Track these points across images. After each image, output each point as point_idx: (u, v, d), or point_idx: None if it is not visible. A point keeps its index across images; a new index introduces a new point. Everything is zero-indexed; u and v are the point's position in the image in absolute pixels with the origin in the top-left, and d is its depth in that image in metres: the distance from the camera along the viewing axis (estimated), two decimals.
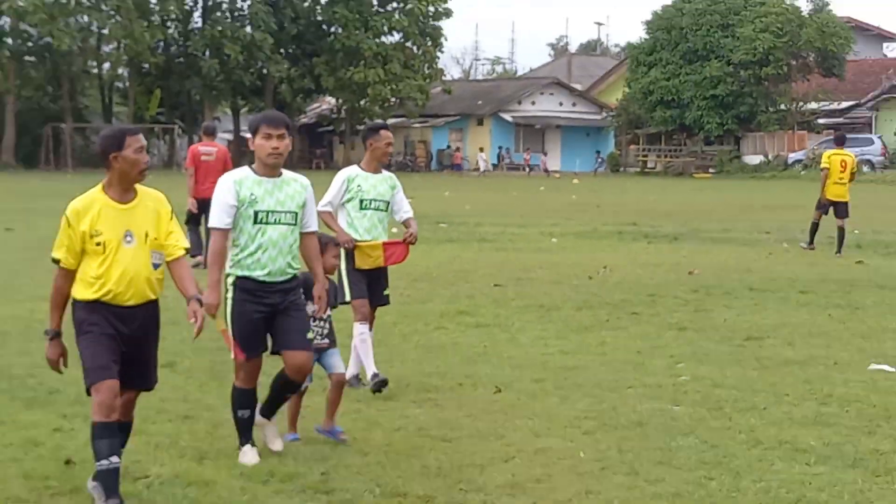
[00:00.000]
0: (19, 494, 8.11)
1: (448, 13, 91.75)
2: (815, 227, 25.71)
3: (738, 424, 10.18)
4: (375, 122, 10.23)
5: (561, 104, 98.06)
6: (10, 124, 79.80)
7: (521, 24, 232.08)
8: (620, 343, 14.28)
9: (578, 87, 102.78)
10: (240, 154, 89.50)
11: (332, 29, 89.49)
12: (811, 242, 25.43)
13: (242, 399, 8.82)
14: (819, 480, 8.53)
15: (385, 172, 11.34)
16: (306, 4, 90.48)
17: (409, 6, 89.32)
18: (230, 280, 8.70)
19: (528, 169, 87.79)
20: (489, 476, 8.61)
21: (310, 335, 8.81)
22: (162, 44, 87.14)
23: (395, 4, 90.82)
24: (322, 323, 9.38)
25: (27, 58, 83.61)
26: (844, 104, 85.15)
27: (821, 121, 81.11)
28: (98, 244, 7.29)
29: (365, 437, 9.44)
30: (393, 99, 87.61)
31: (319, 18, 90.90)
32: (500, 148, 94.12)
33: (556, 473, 8.70)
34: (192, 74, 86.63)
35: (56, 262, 7.40)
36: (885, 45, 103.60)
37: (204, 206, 21.95)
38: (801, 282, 20.28)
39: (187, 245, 7.77)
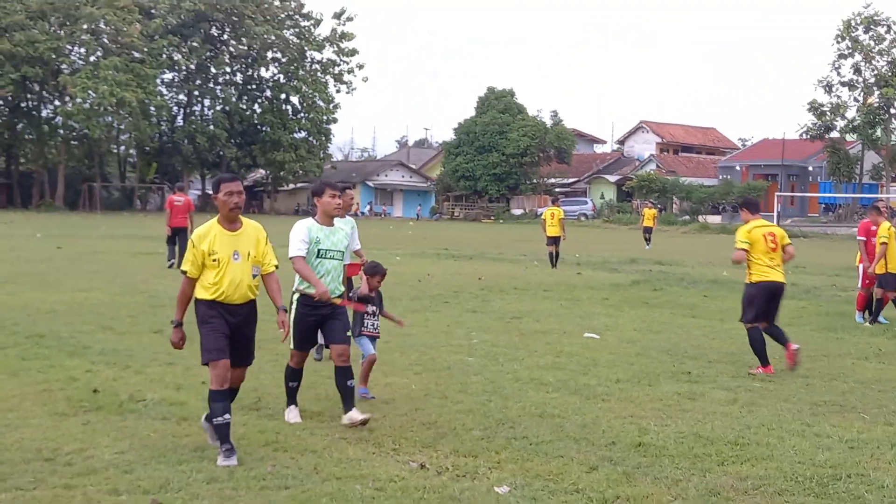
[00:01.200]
0: (64, 410, 7.92)
1: (335, 120, 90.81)
2: (550, 256, 26.00)
3: (507, 369, 10.30)
4: (342, 184, 9.20)
5: (403, 176, 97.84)
6: (60, 183, 77.74)
7: (379, 128, 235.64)
8: (437, 320, 14.33)
9: (414, 166, 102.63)
10: (204, 204, 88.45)
11: (264, 128, 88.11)
12: (554, 266, 25.69)
13: (292, 375, 7.96)
14: (555, 402, 8.67)
15: (348, 217, 10.15)
16: (248, 113, 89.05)
17: (311, 115, 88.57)
18: (295, 296, 7.82)
19: (384, 215, 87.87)
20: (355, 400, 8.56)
21: (348, 333, 7.90)
22: (158, 135, 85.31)
23: (303, 114, 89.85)
24: (375, 318, 8.71)
25: (73, 142, 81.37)
26: (571, 179, 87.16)
27: (557, 189, 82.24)
28: (214, 260, 6.69)
29: (281, 377, 9.23)
30: (300, 172, 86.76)
31: (256, 122, 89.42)
32: (369, 203, 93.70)
33: (397, 398, 8.71)
34: (176, 154, 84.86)
35: (184, 272, 6.76)
36: (595, 145, 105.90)
37: (176, 232, 22.25)
38: (544, 284, 20.57)
39: (277, 263, 7.09)
